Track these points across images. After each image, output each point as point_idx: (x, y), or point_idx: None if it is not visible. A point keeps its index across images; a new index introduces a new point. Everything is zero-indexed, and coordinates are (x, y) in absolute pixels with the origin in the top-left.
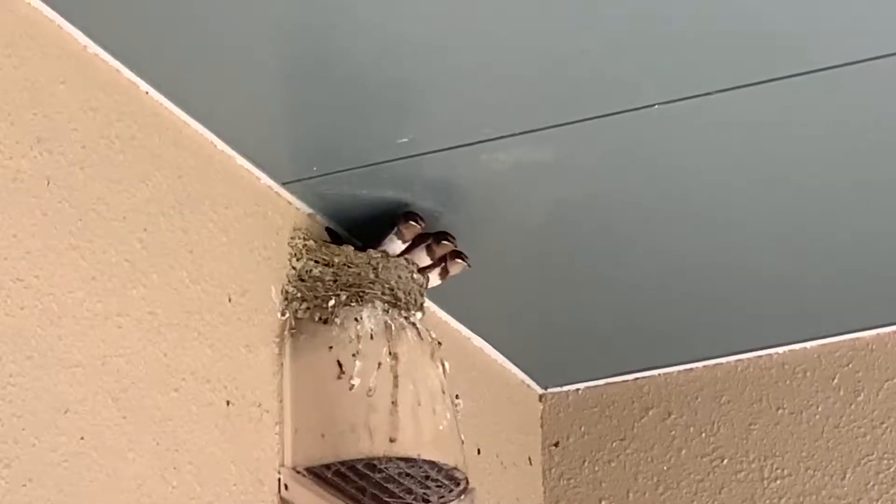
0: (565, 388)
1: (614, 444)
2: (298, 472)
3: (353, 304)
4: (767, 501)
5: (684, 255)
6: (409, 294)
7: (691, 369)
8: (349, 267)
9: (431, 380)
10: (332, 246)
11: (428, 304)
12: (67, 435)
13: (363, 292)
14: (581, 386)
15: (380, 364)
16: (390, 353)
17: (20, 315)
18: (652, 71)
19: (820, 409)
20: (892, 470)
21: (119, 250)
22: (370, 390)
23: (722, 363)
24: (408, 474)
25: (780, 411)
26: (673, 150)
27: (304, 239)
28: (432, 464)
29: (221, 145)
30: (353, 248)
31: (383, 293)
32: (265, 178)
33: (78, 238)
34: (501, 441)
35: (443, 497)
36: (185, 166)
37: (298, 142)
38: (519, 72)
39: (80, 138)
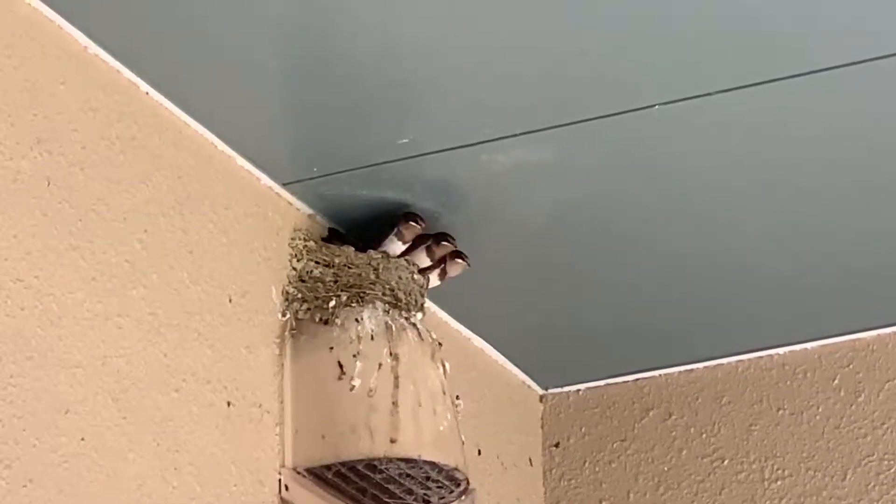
0: (566, 389)
1: (615, 445)
2: (299, 473)
3: (353, 304)
4: (768, 502)
5: (684, 256)
6: (410, 295)
7: (692, 370)
8: (350, 268)
9: (432, 380)
10: (333, 247)
11: (428, 304)
12: (68, 435)
13: (364, 293)
14: (582, 387)
15: (380, 365)
16: (391, 354)
17: (20, 315)
18: (652, 71)
19: (820, 409)
20: (892, 471)
21: (119, 251)
22: (371, 391)
23: (723, 364)
24: (408, 475)
25: (780, 412)
26: (673, 151)
27: (305, 240)
28: (433, 464)
29: (222, 146)
30: (353, 248)
31: (384, 294)
32: (265, 179)
33: (78, 238)
34: (502, 442)
35: (443, 498)
36: (186, 167)
37: (299, 142)
38: (519, 72)
39: (81, 139)
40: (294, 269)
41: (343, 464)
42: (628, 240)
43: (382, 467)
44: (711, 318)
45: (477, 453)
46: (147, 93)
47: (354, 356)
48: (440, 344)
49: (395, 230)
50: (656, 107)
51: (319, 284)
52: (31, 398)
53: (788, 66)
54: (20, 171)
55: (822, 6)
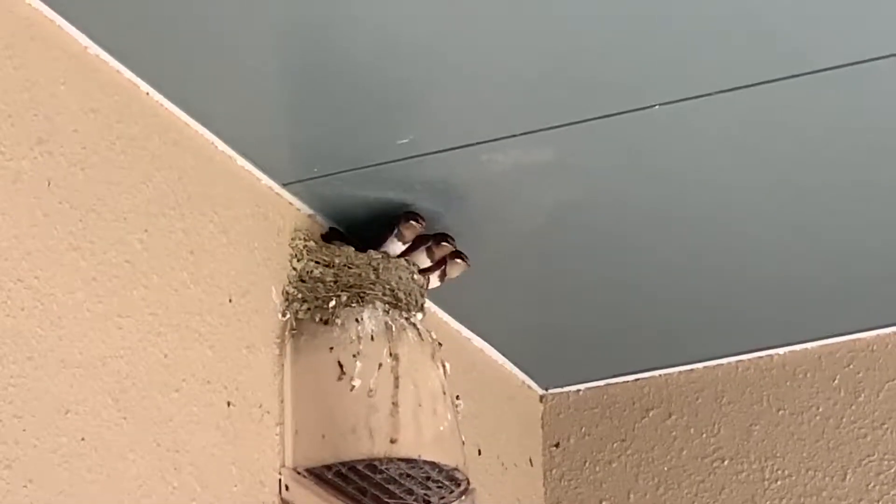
0: (566, 389)
1: (615, 445)
2: (299, 473)
3: (353, 304)
4: (768, 502)
5: (684, 256)
6: (410, 295)
7: (692, 370)
8: (350, 268)
9: (432, 380)
10: (333, 247)
11: (428, 304)
12: (68, 436)
13: (364, 293)
14: (582, 387)
15: (380, 365)
16: (391, 354)
17: (21, 316)
18: (652, 71)
19: (820, 409)
20: (892, 471)
21: (119, 251)
22: (371, 391)
23: (723, 364)
24: (408, 475)
25: (780, 412)
26: (673, 151)
27: (305, 240)
28: (433, 464)
29: (222, 146)
30: (353, 248)
31: (384, 294)
32: (266, 179)
33: (78, 239)
34: (502, 442)
35: (443, 498)
36: (186, 167)
37: (299, 142)
38: (519, 72)
39: (81, 139)
40: (294, 269)
41: (343, 464)
42: (628, 240)
43: (383, 467)
44: (711, 318)
45: (477, 453)
46: (147, 93)
47: (354, 356)
48: (440, 344)
49: (395, 230)
50: (656, 107)
51: (319, 284)
52: (31, 398)
53: (788, 66)
54: (21, 171)
55: (822, 6)
